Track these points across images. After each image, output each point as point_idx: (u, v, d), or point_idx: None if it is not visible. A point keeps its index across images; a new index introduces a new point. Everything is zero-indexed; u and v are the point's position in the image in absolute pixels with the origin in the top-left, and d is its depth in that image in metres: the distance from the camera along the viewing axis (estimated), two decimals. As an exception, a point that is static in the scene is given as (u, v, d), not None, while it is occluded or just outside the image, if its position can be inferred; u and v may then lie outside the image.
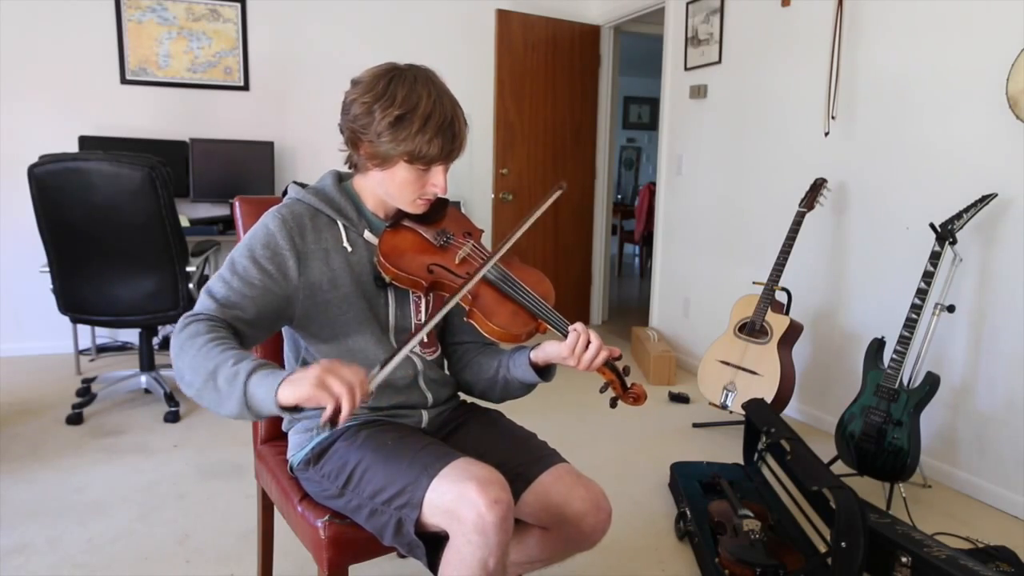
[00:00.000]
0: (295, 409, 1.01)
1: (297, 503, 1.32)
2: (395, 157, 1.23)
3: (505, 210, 4.63)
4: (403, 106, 1.20)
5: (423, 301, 1.37)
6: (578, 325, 1.25)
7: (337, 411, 0.97)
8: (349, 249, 1.30)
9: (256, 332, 1.22)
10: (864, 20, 2.86)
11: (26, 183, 2.76)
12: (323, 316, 1.28)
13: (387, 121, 1.20)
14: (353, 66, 1.58)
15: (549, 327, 1.27)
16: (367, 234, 1.33)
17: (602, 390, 1.32)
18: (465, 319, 1.27)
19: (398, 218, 1.35)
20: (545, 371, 1.35)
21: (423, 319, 1.38)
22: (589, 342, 1.25)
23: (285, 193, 1.36)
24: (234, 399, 1.03)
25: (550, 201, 1.34)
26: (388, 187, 1.29)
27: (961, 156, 2.52)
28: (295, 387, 0.99)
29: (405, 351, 1.10)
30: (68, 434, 2.83)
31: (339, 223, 1.31)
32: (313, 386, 0.97)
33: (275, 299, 1.22)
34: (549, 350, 1.29)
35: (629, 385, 1.28)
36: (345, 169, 1.39)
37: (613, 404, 1.31)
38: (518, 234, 1.28)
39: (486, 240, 1.24)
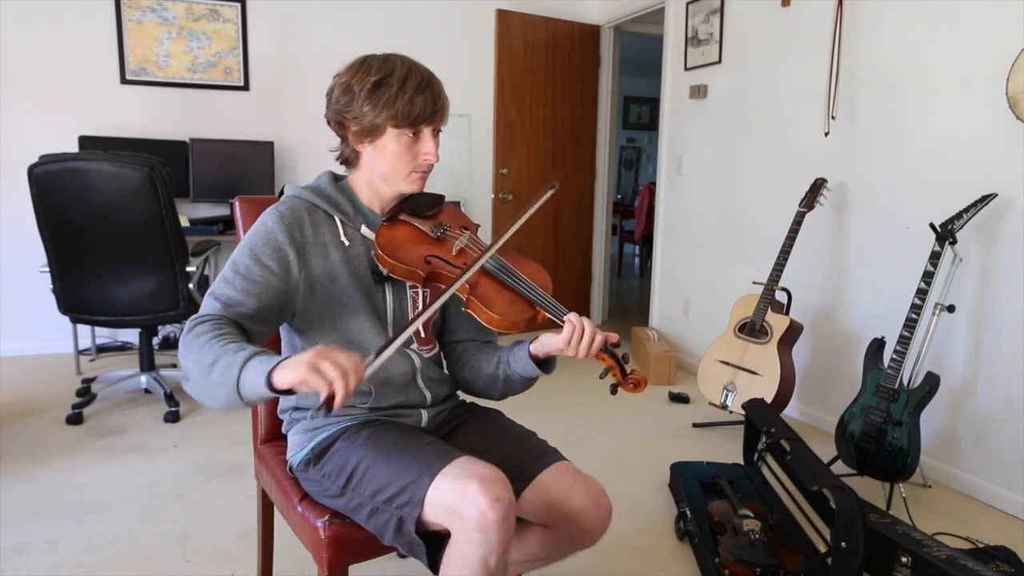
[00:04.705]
0: (288, 392, 1.00)
1: (297, 503, 1.32)
2: (381, 126, 1.25)
3: (505, 210, 4.63)
4: (379, 73, 1.24)
5: (420, 295, 1.38)
6: (572, 315, 1.25)
7: (331, 396, 0.96)
8: (347, 243, 1.31)
9: (262, 328, 1.23)
10: (864, 20, 2.86)
11: (26, 183, 2.76)
12: (322, 310, 1.29)
13: (366, 90, 1.23)
14: (353, 66, 1.58)
15: (547, 315, 1.27)
16: (364, 229, 1.34)
17: (602, 376, 1.31)
18: (463, 308, 1.28)
19: (395, 212, 1.36)
20: (545, 363, 1.35)
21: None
22: (584, 330, 1.24)
23: (282, 193, 1.37)
24: (226, 386, 1.04)
25: (541, 201, 1.33)
26: (381, 166, 1.30)
27: (961, 156, 2.52)
28: (288, 370, 0.99)
29: (402, 338, 1.09)
30: (68, 434, 2.83)
31: (336, 218, 1.32)
32: (307, 369, 0.97)
33: (278, 294, 1.24)
34: (547, 342, 1.29)
35: (629, 371, 1.28)
36: (340, 171, 1.41)
37: (613, 391, 1.30)
38: (511, 232, 1.28)
39: (484, 237, 1.25)
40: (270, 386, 1.00)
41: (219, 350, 1.07)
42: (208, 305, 1.19)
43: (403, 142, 1.27)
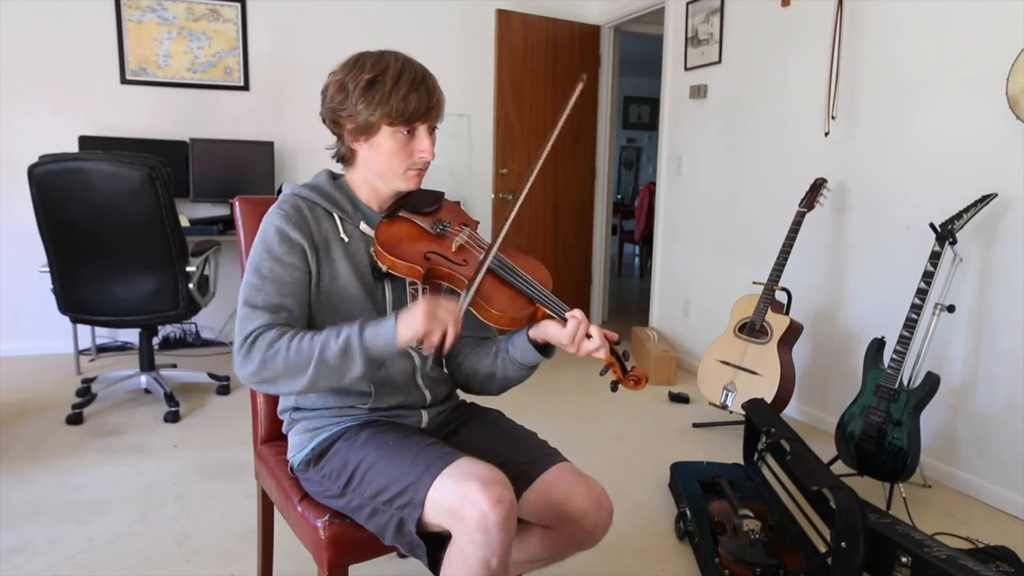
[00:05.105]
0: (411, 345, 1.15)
1: (297, 503, 1.32)
2: (376, 124, 1.25)
3: (505, 210, 4.63)
4: (373, 70, 1.24)
5: (420, 291, 1.38)
6: (576, 312, 1.24)
7: (443, 339, 1.13)
8: (346, 240, 1.31)
9: (304, 323, 1.27)
10: (864, 20, 2.86)
11: (26, 183, 2.76)
12: (325, 306, 1.30)
13: (360, 88, 1.23)
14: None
15: (547, 311, 1.27)
16: (363, 226, 1.35)
17: (602, 372, 1.31)
18: None
19: (393, 209, 1.36)
20: (545, 348, 1.34)
21: None
22: (588, 332, 1.23)
23: (279, 192, 1.37)
24: (357, 364, 1.15)
25: (575, 96, 1.28)
26: (377, 164, 1.30)
27: (961, 156, 2.52)
28: (410, 325, 1.13)
29: (480, 275, 1.22)
30: (68, 434, 2.83)
31: (335, 215, 1.33)
32: (426, 320, 1.12)
33: (307, 288, 1.28)
34: (548, 331, 1.28)
35: (629, 368, 1.27)
36: (337, 170, 1.42)
37: (614, 388, 1.29)
38: (551, 141, 1.28)
39: (484, 234, 1.26)
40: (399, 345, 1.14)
41: (312, 343, 1.16)
42: (252, 316, 1.20)
43: (398, 140, 1.27)
